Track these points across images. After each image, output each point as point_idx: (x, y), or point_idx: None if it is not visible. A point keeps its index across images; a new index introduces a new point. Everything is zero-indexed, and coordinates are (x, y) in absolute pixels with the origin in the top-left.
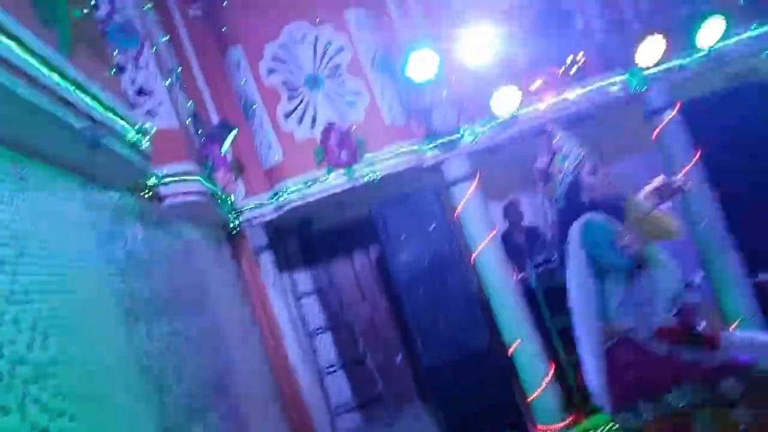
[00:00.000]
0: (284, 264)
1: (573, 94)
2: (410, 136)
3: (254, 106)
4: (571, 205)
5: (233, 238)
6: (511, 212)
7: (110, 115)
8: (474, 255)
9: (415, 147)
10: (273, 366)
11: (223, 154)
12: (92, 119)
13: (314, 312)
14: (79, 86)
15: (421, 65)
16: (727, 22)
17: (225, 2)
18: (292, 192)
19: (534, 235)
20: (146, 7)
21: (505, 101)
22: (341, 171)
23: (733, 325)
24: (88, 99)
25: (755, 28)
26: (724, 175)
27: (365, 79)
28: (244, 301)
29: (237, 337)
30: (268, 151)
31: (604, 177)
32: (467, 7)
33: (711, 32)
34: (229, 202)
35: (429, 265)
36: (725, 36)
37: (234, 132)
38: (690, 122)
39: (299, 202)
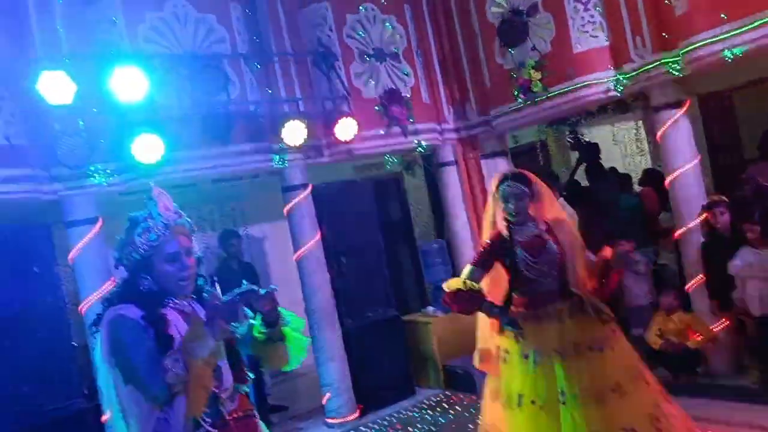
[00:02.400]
0: None
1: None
2: (27, 163)
3: None
4: (126, 287)
5: None
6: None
7: None
8: (83, 306)
9: (32, 176)
10: None
11: None
12: None
13: None
14: None
15: (55, 87)
16: (359, 123)
17: None
18: None
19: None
20: None
21: (148, 148)
22: None
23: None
24: None
25: (383, 134)
26: (338, 253)
27: None
28: None
29: None
30: None
31: (181, 268)
32: (118, 38)
33: (347, 129)
34: None
35: (21, 313)
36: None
37: None
38: (317, 203)
39: None
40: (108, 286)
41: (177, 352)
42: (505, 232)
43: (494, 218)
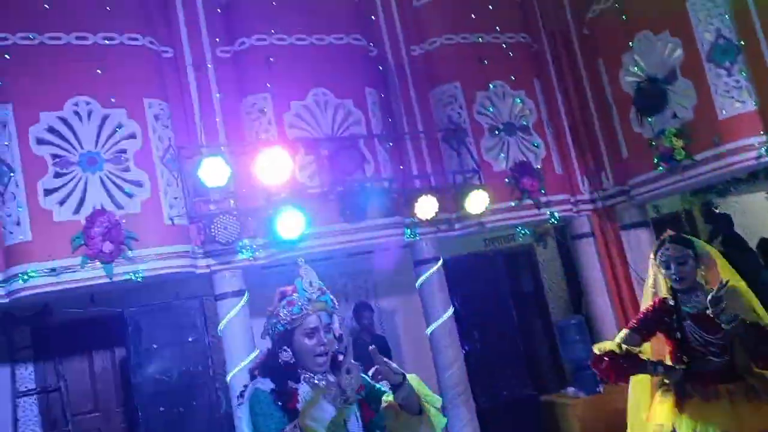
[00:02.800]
0: (6, 355)
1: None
2: (187, 240)
3: (12, 175)
4: (269, 356)
5: None
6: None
7: None
8: (230, 375)
9: (189, 252)
10: None
11: None
12: None
13: (30, 417)
14: None
15: (213, 171)
16: (489, 196)
17: (7, 55)
18: (31, 278)
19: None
20: None
21: (291, 224)
22: (99, 264)
23: None
24: None
25: (514, 206)
26: (471, 327)
27: (151, 172)
28: None
29: None
30: (14, 227)
31: (320, 344)
32: (267, 125)
33: (478, 203)
34: None
35: (177, 381)
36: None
37: None
38: (449, 277)
39: (40, 290)
40: (252, 356)
41: (296, 421)
42: (670, 301)
43: (655, 287)
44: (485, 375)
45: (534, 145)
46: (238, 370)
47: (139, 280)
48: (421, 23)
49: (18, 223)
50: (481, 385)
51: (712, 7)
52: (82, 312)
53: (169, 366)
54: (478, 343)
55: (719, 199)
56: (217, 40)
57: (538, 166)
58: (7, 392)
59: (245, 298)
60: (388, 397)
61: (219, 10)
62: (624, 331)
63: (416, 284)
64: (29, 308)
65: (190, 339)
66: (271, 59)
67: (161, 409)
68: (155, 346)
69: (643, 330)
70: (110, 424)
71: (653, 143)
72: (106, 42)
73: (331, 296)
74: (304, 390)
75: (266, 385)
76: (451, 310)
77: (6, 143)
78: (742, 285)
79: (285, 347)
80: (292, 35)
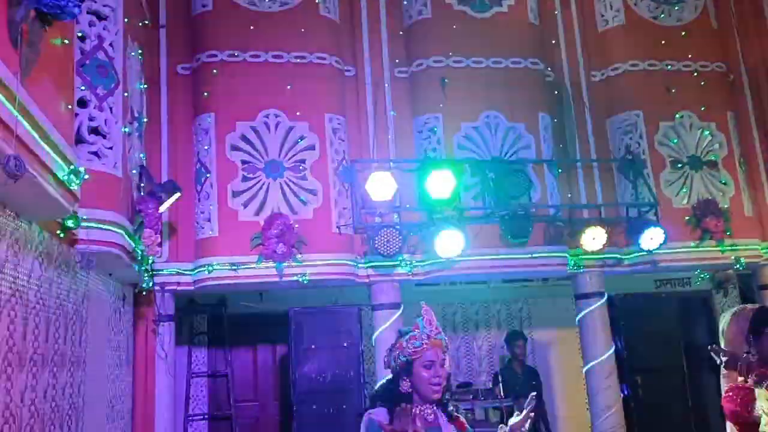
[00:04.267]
0: (186, 338)
1: (516, 256)
2: (350, 249)
3: (208, 176)
4: (389, 386)
5: (139, 301)
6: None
7: (45, 146)
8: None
9: (352, 261)
10: None
11: (158, 214)
12: (25, 146)
13: (200, 396)
14: (24, 110)
15: (381, 185)
16: (665, 235)
17: (215, 70)
18: (216, 269)
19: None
20: (135, 52)
21: (449, 244)
22: (272, 263)
23: None
24: (27, 124)
25: (694, 247)
26: (633, 371)
27: (325, 182)
28: (128, 371)
29: (103, 411)
30: (206, 223)
31: (436, 375)
32: (436, 144)
33: (652, 239)
34: (148, 263)
35: (330, 382)
36: (662, 246)
37: (177, 194)
38: (612, 314)
39: (221, 281)
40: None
41: None
42: None
43: None
44: (646, 424)
45: (722, 182)
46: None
47: (305, 281)
48: (604, 48)
49: (209, 220)
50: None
51: None
52: (252, 307)
53: (325, 367)
54: (640, 389)
55: None
56: (397, 60)
57: (725, 206)
58: (183, 370)
59: (401, 310)
60: None
61: (401, 32)
62: None
63: (576, 319)
64: (209, 297)
65: (345, 344)
66: (446, 80)
67: (314, 406)
68: (314, 346)
69: None
70: (267, 414)
71: None
72: (297, 60)
73: (444, 337)
74: (418, 422)
75: (379, 415)
76: (612, 350)
77: (206, 147)
78: None
79: (405, 377)
80: (470, 58)
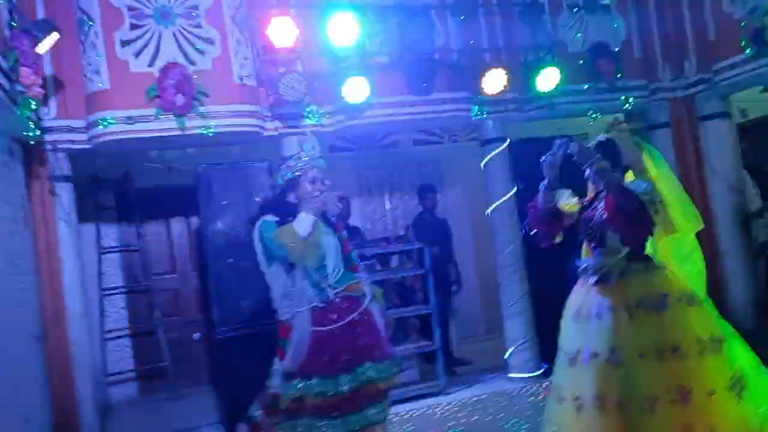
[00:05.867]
0: (93, 215)
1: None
2: (256, 101)
3: (91, 24)
4: (277, 199)
5: (31, 161)
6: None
7: None
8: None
9: (258, 110)
10: (45, 319)
11: (36, 54)
12: None
13: (113, 270)
14: None
15: (282, 32)
16: (562, 75)
17: None
18: (111, 124)
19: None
20: None
21: (357, 90)
22: (172, 116)
23: None
24: None
25: (587, 87)
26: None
27: (222, 30)
28: (27, 232)
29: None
30: (94, 75)
31: (318, 189)
32: None
33: (548, 80)
34: (30, 108)
35: (244, 236)
36: (559, 88)
37: (55, 35)
38: (513, 158)
39: (118, 136)
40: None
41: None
42: None
43: None
44: (540, 254)
45: (613, 25)
46: None
47: (210, 134)
48: None
49: (98, 72)
50: (533, 264)
51: None
52: (161, 170)
53: (237, 222)
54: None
55: None
56: None
57: (617, 48)
58: (92, 247)
59: None
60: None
61: None
62: None
63: (481, 164)
64: (113, 171)
65: (257, 199)
66: None
67: (229, 260)
68: (225, 202)
69: None
70: (187, 286)
71: (744, 23)
72: None
73: (323, 161)
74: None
75: (271, 218)
76: (513, 191)
77: None
78: None
79: (291, 191)
80: None
